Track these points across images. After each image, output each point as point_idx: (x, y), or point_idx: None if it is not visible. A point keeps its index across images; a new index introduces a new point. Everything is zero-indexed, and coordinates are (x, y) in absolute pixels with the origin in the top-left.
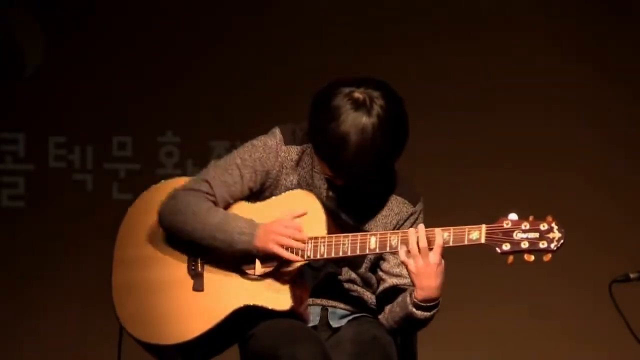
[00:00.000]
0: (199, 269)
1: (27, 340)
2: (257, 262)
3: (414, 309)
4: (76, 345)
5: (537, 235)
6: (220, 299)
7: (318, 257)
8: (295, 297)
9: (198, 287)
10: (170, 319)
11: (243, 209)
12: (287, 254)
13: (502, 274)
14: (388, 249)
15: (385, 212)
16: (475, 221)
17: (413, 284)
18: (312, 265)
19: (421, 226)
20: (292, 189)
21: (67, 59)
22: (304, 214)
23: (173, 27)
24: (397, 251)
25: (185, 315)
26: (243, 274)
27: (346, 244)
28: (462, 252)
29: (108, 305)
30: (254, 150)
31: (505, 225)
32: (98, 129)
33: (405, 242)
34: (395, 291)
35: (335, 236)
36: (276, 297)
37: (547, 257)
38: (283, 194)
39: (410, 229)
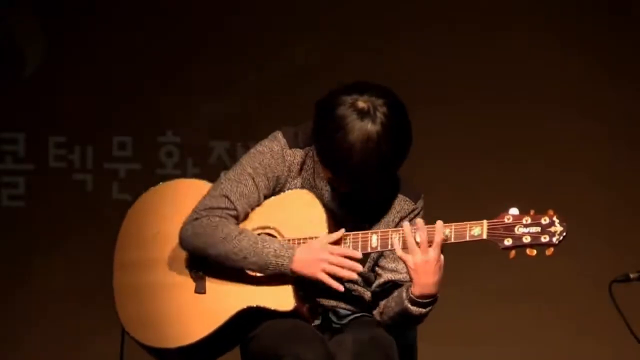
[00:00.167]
0: (201, 272)
1: (27, 339)
2: None
3: (409, 305)
4: (76, 344)
5: (538, 229)
6: (222, 301)
7: None
8: (297, 297)
9: (200, 289)
10: (172, 321)
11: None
12: (335, 284)
13: (502, 273)
14: (390, 247)
15: (386, 211)
16: (475, 217)
17: (410, 280)
18: None
19: (420, 221)
20: None
21: (67, 59)
22: (340, 237)
23: (173, 27)
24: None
25: (187, 318)
26: (245, 276)
27: (347, 243)
28: (461, 248)
29: (108, 305)
30: (262, 157)
31: (506, 220)
32: (98, 129)
33: (403, 237)
34: (391, 286)
35: None
36: (279, 297)
37: (550, 251)
38: (282, 193)
39: (406, 222)
